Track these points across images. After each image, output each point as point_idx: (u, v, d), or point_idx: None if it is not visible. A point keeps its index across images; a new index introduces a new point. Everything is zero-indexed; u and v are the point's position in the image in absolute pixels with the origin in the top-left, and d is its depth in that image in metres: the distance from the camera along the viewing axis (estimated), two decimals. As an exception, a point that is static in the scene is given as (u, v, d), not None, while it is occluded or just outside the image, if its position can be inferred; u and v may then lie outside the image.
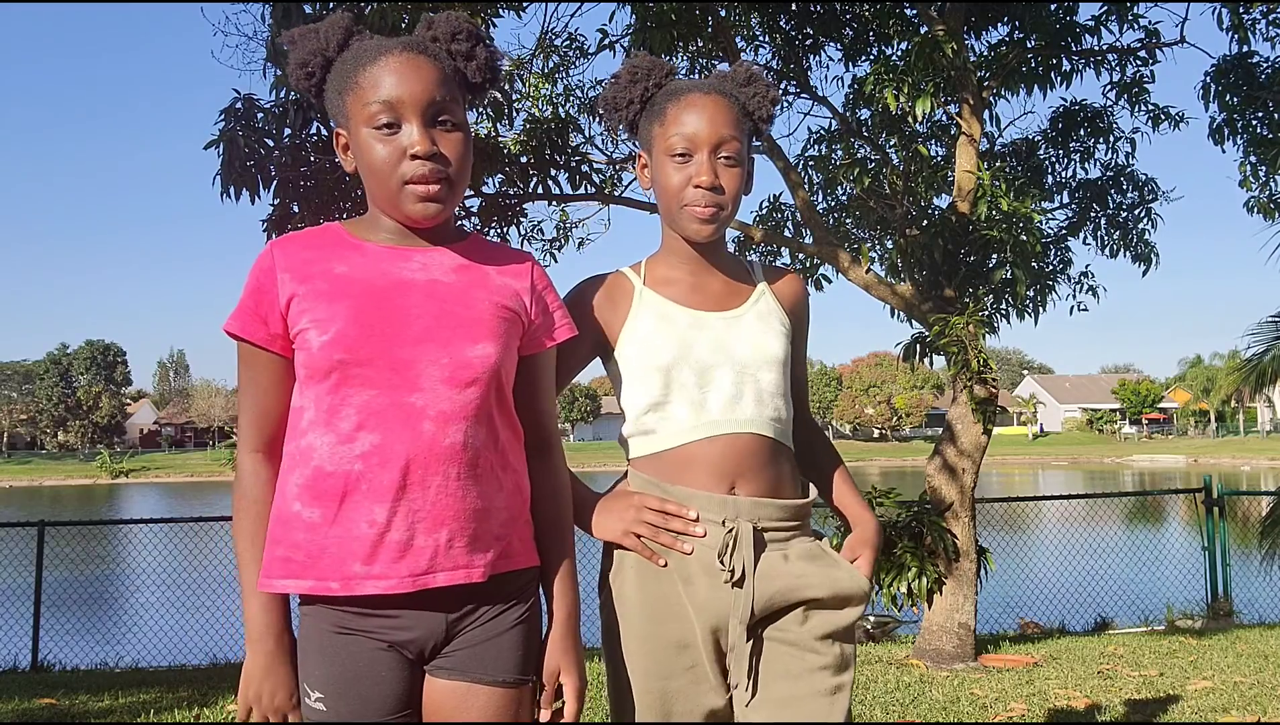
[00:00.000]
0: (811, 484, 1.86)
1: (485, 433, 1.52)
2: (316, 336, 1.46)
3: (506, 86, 6.71)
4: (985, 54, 6.93)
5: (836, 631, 1.70)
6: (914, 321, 6.51)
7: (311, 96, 1.58)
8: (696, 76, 1.91)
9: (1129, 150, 7.51)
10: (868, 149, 7.06)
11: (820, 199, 7.88)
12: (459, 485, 1.48)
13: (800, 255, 7.56)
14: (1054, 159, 7.58)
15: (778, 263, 7.57)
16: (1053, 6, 6.70)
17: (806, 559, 1.71)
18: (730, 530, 1.66)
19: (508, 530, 1.55)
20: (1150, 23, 6.98)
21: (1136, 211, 7.45)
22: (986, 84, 6.57)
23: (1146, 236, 7.42)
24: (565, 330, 1.65)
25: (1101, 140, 7.46)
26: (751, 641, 1.66)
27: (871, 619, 7.58)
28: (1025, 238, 5.72)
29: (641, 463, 1.74)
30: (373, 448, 1.46)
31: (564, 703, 1.56)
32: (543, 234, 8.57)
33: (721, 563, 1.65)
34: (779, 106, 1.78)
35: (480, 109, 6.21)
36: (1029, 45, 6.74)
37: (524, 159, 6.98)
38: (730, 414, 1.70)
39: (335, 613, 1.48)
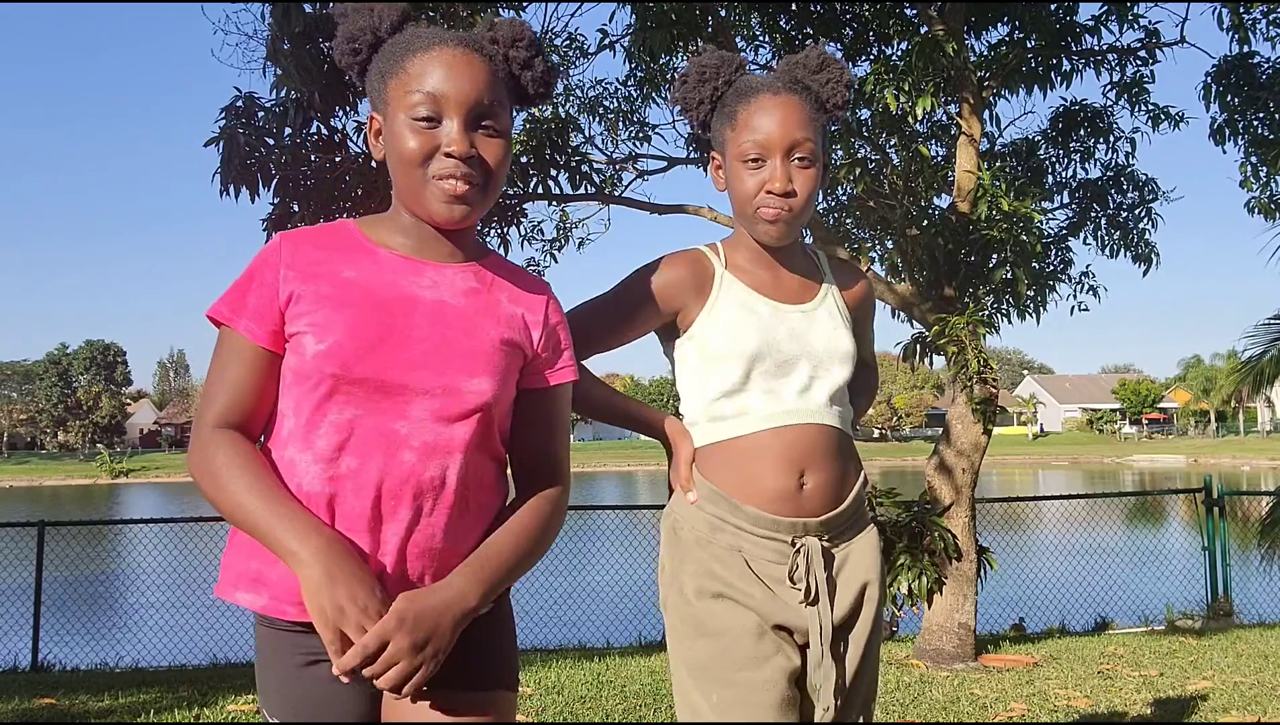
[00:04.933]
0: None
1: (466, 467, 1.43)
2: (312, 343, 1.38)
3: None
4: (985, 54, 6.92)
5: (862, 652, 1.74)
6: (914, 321, 6.51)
7: (354, 75, 1.50)
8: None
9: (1129, 150, 7.53)
10: (868, 149, 7.06)
11: (820, 199, 7.88)
12: (429, 521, 1.40)
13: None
14: (1054, 159, 7.58)
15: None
16: (1053, 6, 6.70)
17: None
18: (798, 549, 1.67)
19: None
20: (1150, 23, 7.02)
21: (1136, 211, 7.45)
22: (986, 84, 6.57)
23: (1146, 236, 7.43)
24: (568, 372, 1.56)
25: (1101, 140, 7.47)
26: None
27: None
28: (1025, 238, 5.72)
29: (710, 451, 1.73)
30: (349, 472, 1.38)
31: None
32: (543, 234, 8.59)
33: (793, 581, 1.67)
34: (852, 88, 1.74)
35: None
36: (1029, 45, 6.74)
37: (524, 159, 6.99)
38: (803, 404, 1.72)
39: (293, 636, 1.40)
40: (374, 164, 6.31)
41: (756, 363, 1.71)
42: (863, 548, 1.77)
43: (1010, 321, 6.47)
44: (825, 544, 1.71)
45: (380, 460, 1.38)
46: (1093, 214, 7.48)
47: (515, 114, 1.53)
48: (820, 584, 1.67)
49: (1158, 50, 7.13)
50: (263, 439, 1.46)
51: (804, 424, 1.71)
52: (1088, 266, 7.70)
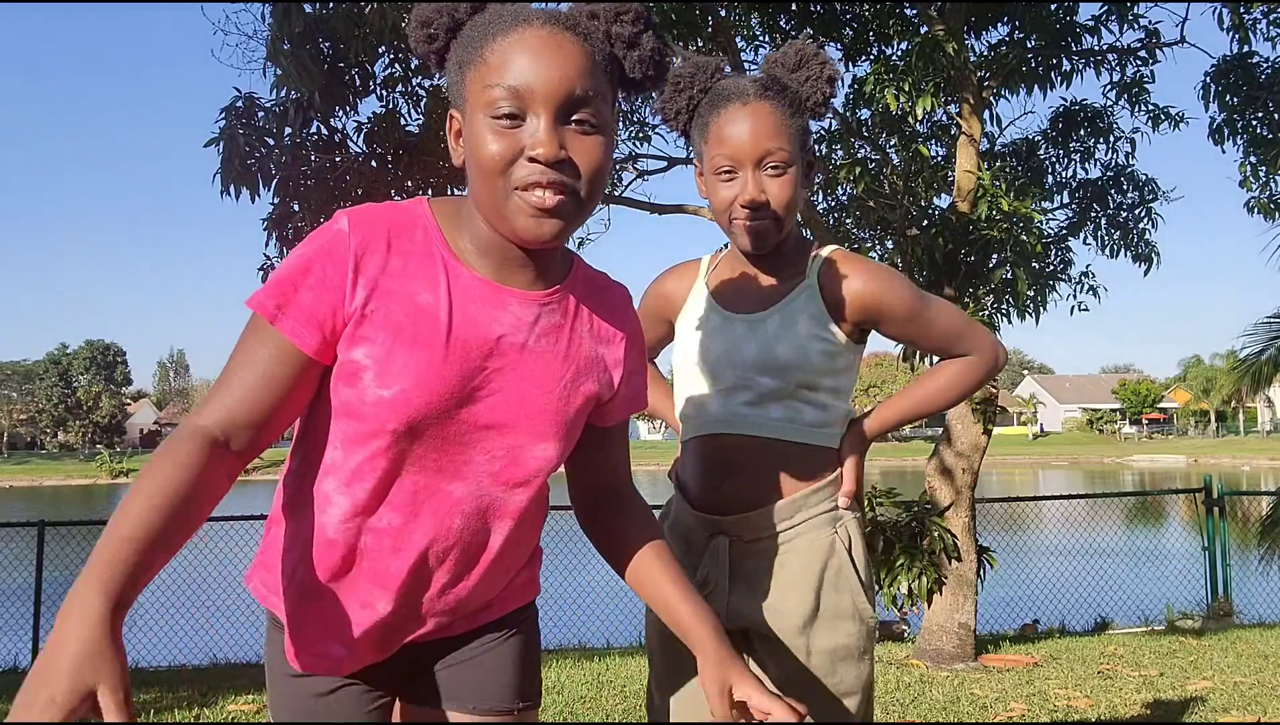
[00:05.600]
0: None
1: (516, 531, 1.33)
2: (373, 384, 1.20)
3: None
4: (985, 54, 6.93)
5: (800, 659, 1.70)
6: (914, 321, 6.50)
7: (433, 64, 1.27)
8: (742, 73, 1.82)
9: (1129, 150, 7.55)
10: (868, 149, 7.06)
11: (820, 199, 7.88)
12: (465, 585, 1.31)
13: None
14: (1054, 159, 7.60)
15: None
16: (1053, 6, 6.71)
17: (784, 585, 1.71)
18: (711, 543, 1.75)
19: (501, 595, 1.41)
20: (1150, 23, 7.03)
21: (1136, 211, 7.47)
22: (986, 84, 6.57)
23: (1147, 236, 7.45)
24: (639, 403, 1.47)
25: (1101, 140, 7.48)
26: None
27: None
28: (1025, 238, 5.73)
29: (680, 449, 1.87)
30: (389, 528, 1.25)
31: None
32: (543, 234, 8.56)
33: (694, 573, 1.74)
34: (836, 83, 1.70)
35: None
36: (1029, 45, 6.74)
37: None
38: (723, 414, 1.74)
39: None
40: (373, 164, 6.32)
41: (695, 373, 1.78)
42: (806, 556, 1.69)
43: (1010, 321, 6.48)
44: (747, 542, 1.71)
45: (428, 522, 1.26)
46: (1093, 214, 7.49)
47: (620, 103, 1.30)
48: (720, 579, 1.71)
49: (1158, 50, 7.14)
50: (291, 447, 1.34)
51: (723, 434, 1.73)
52: (1088, 266, 7.73)
